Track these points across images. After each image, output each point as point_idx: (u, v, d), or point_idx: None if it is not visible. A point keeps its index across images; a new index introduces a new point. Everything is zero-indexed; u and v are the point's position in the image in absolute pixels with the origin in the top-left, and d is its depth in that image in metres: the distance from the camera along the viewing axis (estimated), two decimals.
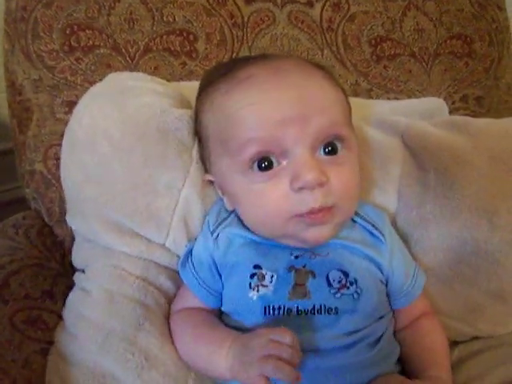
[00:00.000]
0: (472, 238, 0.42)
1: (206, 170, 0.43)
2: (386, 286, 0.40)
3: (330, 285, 0.37)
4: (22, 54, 0.53)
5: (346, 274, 0.37)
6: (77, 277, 0.44)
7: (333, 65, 0.61)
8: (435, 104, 0.55)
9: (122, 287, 0.40)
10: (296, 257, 0.38)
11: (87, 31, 0.53)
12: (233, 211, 0.41)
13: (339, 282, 0.37)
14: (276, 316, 0.36)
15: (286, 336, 0.31)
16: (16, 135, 0.54)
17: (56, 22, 0.52)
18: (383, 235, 0.41)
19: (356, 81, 0.61)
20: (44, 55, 0.52)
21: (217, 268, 0.40)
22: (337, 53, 0.62)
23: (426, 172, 0.44)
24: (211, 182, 0.43)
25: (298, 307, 0.36)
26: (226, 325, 0.38)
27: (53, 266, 0.47)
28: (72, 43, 0.52)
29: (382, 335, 0.38)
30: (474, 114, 0.64)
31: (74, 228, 0.45)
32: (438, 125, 0.46)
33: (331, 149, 0.36)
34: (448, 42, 0.65)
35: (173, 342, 0.39)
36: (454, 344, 0.45)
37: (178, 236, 0.42)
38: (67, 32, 0.52)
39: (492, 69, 0.67)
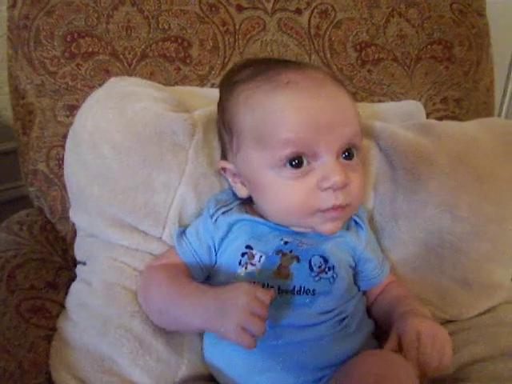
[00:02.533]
0: (437, 230, 0.46)
1: (224, 157, 0.46)
2: (354, 270, 0.45)
3: (311, 269, 0.40)
4: (25, 60, 0.55)
5: (325, 260, 0.41)
6: (79, 269, 0.47)
7: None
8: (413, 106, 0.58)
9: (121, 279, 0.43)
10: (285, 242, 0.42)
11: (87, 38, 0.55)
12: (235, 199, 0.45)
13: (319, 266, 0.41)
14: None
15: (267, 295, 0.34)
16: (20, 137, 0.57)
17: (57, 29, 0.55)
18: (363, 224, 0.46)
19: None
20: (46, 61, 0.55)
21: (215, 247, 0.43)
22: (324, 58, 0.65)
23: (396, 170, 0.48)
24: (223, 170, 0.46)
25: (279, 286, 0.39)
26: None
27: (55, 259, 0.50)
28: (72, 50, 0.55)
29: (351, 313, 0.42)
30: (454, 116, 0.68)
31: (76, 223, 0.48)
32: (407, 128, 0.50)
33: (348, 154, 0.41)
34: (429, 46, 0.68)
35: (164, 329, 0.41)
36: None
37: (173, 230, 0.45)
38: (68, 39, 0.55)
39: (471, 72, 0.70)
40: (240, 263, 0.41)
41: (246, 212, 0.44)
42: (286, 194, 0.40)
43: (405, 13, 0.69)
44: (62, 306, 0.44)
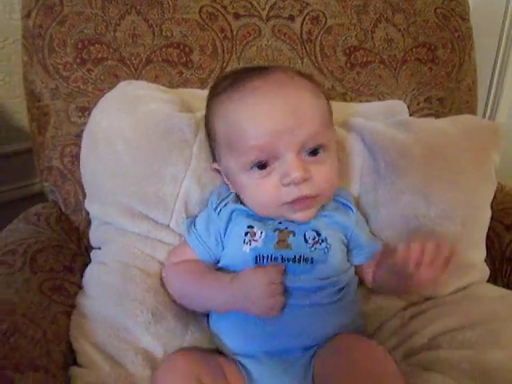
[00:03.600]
0: (413, 215, 0.51)
1: (214, 160, 0.51)
2: (347, 247, 0.50)
3: (306, 241, 0.46)
4: (40, 66, 0.59)
5: (318, 234, 0.46)
6: (94, 253, 0.52)
7: (311, 72, 0.68)
8: (397, 106, 0.63)
9: (135, 261, 0.48)
10: (280, 222, 0.47)
11: (96, 45, 0.60)
12: (232, 192, 0.50)
13: (313, 239, 0.46)
14: (265, 263, 0.45)
15: (279, 275, 0.42)
16: (35, 136, 0.61)
17: (69, 37, 0.59)
18: (352, 205, 0.51)
19: (332, 85, 0.69)
20: (59, 67, 0.59)
21: (221, 236, 0.48)
22: (315, 61, 0.69)
23: (378, 163, 0.53)
24: (217, 170, 0.51)
25: (282, 256, 0.45)
26: None
27: (71, 246, 0.55)
28: (83, 56, 0.59)
29: (345, 286, 0.47)
30: (437, 114, 0.72)
31: (91, 212, 0.53)
32: (387, 124, 0.55)
33: (314, 151, 0.45)
34: (414, 49, 0.72)
35: (173, 300, 0.47)
36: (407, 306, 0.53)
37: (179, 218, 0.50)
38: (79, 46, 0.59)
39: (454, 73, 0.74)
40: (244, 242, 0.46)
41: (241, 203, 0.49)
42: (256, 192, 0.45)
43: (391, 18, 0.73)
44: (79, 287, 0.49)
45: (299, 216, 0.46)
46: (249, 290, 0.42)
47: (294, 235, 0.46)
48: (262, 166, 0.44)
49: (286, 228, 0.47)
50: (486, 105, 1.01)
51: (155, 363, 0.43)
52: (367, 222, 0.54)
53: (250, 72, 0.48)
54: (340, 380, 0.37)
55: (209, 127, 0.50)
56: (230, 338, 0.45)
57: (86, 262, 0.53)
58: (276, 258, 0.45)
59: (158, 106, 0.51)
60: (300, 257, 0.45)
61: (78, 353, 0.43)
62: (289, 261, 0.45)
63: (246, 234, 0.46)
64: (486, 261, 0.58)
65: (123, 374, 0.42)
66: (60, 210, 0.60)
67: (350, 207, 0.51)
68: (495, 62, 0.97)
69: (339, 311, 0.45)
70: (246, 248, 0.46)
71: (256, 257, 0.45)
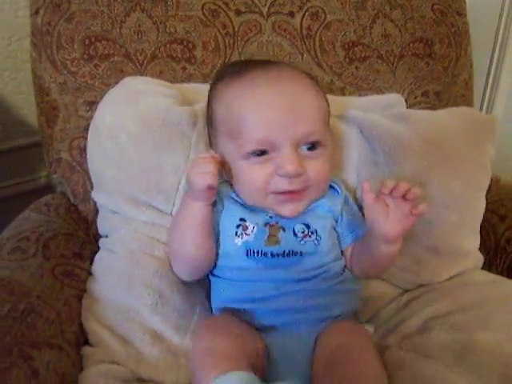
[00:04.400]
0: None
1: (211, 145, 0.53)
2: (338, 232, 0.51)
3: (295, 235, 0.47)
4: (49, 62, 0.61)
5: (308, 227, 0.48)
6: (102, 241, 0.55)
7: (311, 67, 0.70)
8: (394, 99, 0.65)
9: (142, 246, 0.50)
10: (270, 216, 0.49)
11: (103, 42, 0.61)
12: (226, 180, 0.52)
13: (302, 232, 0.48)
14: (256, 257, 0.47)
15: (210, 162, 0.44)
16: (44, 130, 0.63)
17: (76, 34, 0.61)
18: (340, 191, 0.52)
19: (331, 80, 0.70)
20: (67, 62, 0.61)
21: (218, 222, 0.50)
22: (315, 56, 0.70)
23: (377, 154, 0.55)
24: None
25: (271, 252, 0.47)
26: (220, 266, 0.49)
27: (80, 235, 0.57)
28: (90, 52, 0.61)
29: (341, 270, 0.49)
30: (434, 107, 0.73)
31: (98, 202, 0.56)
32: (386, 117, 0.57)
33: (311, 147, 0.47)
34: (411, 45, 0.73)
35: (180, 285, 0.49)
36: (403, 292, 0.55)
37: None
38: (86, 43, 0.61)
39: (450, 67, 0.75)
40: (236, 234, 0.48)
41: (233, 192, 0.51)
42: (250, 176, 0.47)
43: (389, 14, 0.74)
44: (88, 273, 0.52)
45: (288, 210, 0.47)
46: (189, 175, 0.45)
47: (284, 230, 0.48)
48: (261, 153, 0.46)
49: (277, 222, 0.48)
50: (483, 99, 1.03)
51: (163, 342, 0.46)
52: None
53: (255, 63, 0.49)
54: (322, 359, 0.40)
55: (209, 112, 0.52)
56: (248, 314, 0.46)
57: (95, 249, 0.55)
58: (266, 254, 0.46)
59: (157, 100, 0.53)
60: (290, 251, 0.47)
61: (89, 333, 0.45)
62: (278, 256, 0.47)
63: (237, 226, 0.48)
64: (480, 250, 0.60)
65: (133, 352, 0.44)
66: (68, 200, 0.62)
67: (336, 189, 0.52)
68: (492, 57, 0.99)
69: (337, 294, 0.47)
70: (238, 241, 0.47)
71: (247, 250, 0.47)
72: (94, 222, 0.58)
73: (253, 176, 0.46)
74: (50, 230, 0.53)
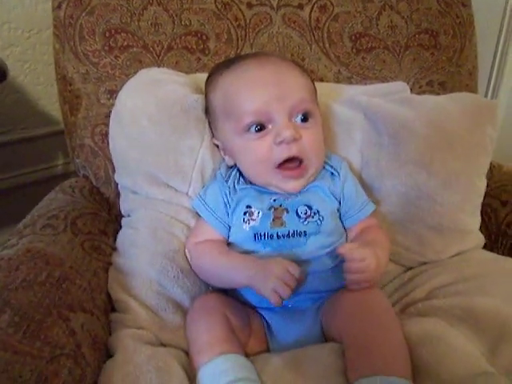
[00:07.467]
0: (415, 184, 0.56)
1: (213, 136, 0.56)
2: (340, 212, 0.54)
3: (298, 216, 0.51)
4: (72, 53, 0.64)
5: (310, 208, 0.51)
6: (124, 220, 0.58)
7: (319, 57, 0.73)
8: (399, 87, 0.67)
9: (162, 224, 0.54)
10: (274, 200, 0.52)
11: (122, 34, 0.64)
12: (232, 166, 0.55)
13: (305, 213, 0.51)
14: (263, 240, 0.50)
15: (296, 271, 0.44)
16: (67, 117, 0.66)
17: (97, 27, 0.64)
18: (338, 173, 0.55)
19: (339, 70, 0.73)
20: (89, 54, 0.64)
21: (229, 202, 0.53)
22: (323, 47, 0.73)
23: (381, 136, 0.58)
24: (217, 146, 0.57)
25: (277, 233, 0.50)
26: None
27: (103, 214, 0.61)
28: (111, 44, 0.64)
29: None
30: None
31: (120, 183, 0.59)
32: (391, 101, 0.60)
33: (303, 117, 0.50)
34: (417, 36, 0.76)
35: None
36: (407, 269, 0.58)
37: (196, 186, 0.56)
38: (107, 35, 0.64)
39: (455, 58, 0.77)
40: (244, 220, 0.51)
41: (239, 179, 0.54)
42: (251, 152, 0.51)
43: (395, 6, 0.76)
44: (113, 249, 0.56)
45: (292, 185, 0.50)
46: (267, 269, 0.44)
47: (288, 212, 0.51)
48: (259, 129, 0.49)
49: (281, 205, 0.51)
50: (487, 90, 1.04)
51: (184, 311, 0.50)
52: (370, 193, 0.58)
53: (246, 55, 0.54)
54: (342, 312, 0.43)
55: (207, 105, 0.55)
56: (248, 295, 0.51)
57: (117, 228, 0.59)
58: (272, 236, 0.49)
59: (175, 87, 0.57)
60: (294, 231, 0.49)
61: (116, 302, 0.49)
62: (284, 237, 0.49)
63: (245, 213, 0.51)
64: (483, 234, 0.62)
65: (157, 319, 0.48)
66: (91, 183, 0.66)
67: (335, 174, 0.54)
68: (496, 48, 1.01)
69: (340, 271, 0.49)
70: (246, 226, 0.51)
71: (254, 234, 0.50)
72: (116, 203, 0.62)
73: (255, 150, 0.50)
74: (75, 209, 0.57)
